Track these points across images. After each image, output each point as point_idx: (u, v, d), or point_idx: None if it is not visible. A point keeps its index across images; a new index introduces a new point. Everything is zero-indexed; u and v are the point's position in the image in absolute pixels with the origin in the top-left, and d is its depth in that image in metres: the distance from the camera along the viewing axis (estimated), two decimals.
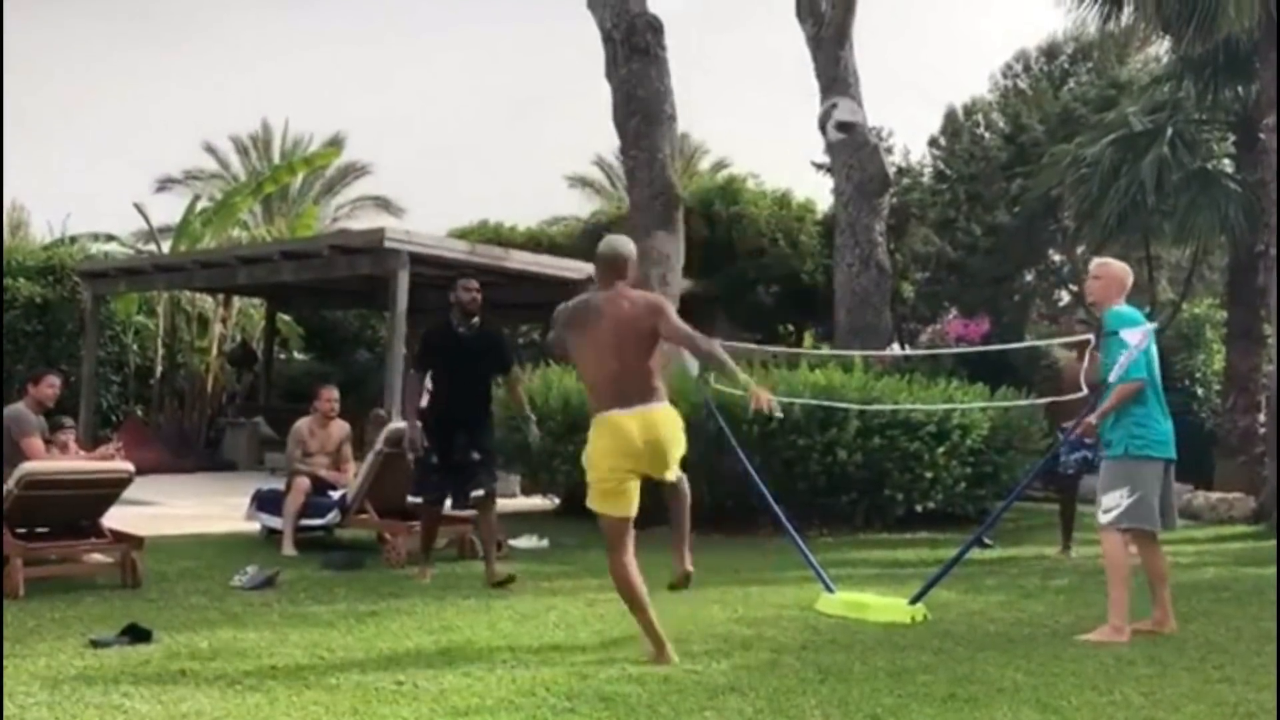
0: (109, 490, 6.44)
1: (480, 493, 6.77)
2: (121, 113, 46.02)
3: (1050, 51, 20.40)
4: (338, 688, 4.15)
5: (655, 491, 4.79)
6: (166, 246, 18.58)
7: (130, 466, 6.51)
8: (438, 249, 12.75)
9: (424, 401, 6.98)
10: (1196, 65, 12.71)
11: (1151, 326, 5.49)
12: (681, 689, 4.21)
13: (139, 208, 18.92)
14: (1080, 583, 7.00)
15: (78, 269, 16.67)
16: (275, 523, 8.13)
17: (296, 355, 21.20)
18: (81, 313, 16.42)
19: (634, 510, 4.71)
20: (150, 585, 6.24)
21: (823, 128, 14.64)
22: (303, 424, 8.48)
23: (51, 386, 7.28)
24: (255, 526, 8.45)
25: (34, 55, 37.66)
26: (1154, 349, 5.43)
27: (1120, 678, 4.52)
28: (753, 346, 12.20)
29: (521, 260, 13.76)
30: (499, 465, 7.92)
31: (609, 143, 21.55)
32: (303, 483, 8.06)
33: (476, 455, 6.83)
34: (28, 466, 6.17)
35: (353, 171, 30.41)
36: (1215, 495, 11.54)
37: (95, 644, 4.74)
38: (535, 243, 17.54)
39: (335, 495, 8.10)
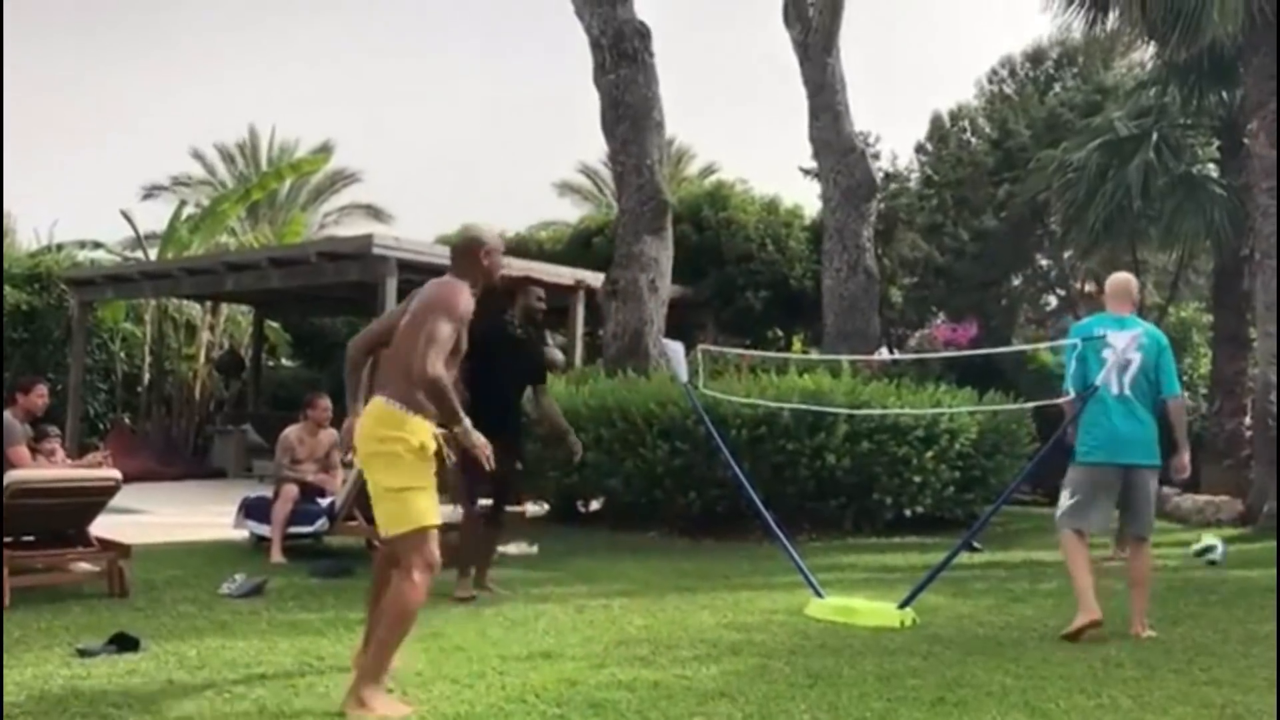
0: (96, 498, 6.40)
1: (517, 507, 6.60)
2: (108, 119, 45.86)
3: (1036, 57, 20.51)
4: (327, 696, 4.13)
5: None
6: (154, 253, 18.53)
7: (117, 474, 6.48)
8: (426, 255, 12.73)
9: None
10: (1181, 70, 12.80)
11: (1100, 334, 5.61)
12: (671, 694, 4.21)
13: (126, 215, 18.93)
14: (1068, 586, 6.96)
15: (64, 276, 16.63)
16: (263, 530, 8.08)
17: (284, 362, 21.11)
18: (68, 320, 16.38)
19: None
20: (138, 594, 6.20)
21: (810, 135, 14.71)
22: (291, 432, 8.45)
23: (41, 396, 7.27)
24: (243, 534, 8.41)
25: (20, 62, 37.51)
26: (1092, 354, 5.59)
27: (1108, 680, 4.54)
28: (741, 351, 12.23)
29: (510, 265, 13.76)
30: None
31: (597, 149, 21.56)
32: (291, 490, 8.03)
33: (520, 465, 6.74)
34: (14, 475, 6.14)
35: (341, 178, 30.35)
36: (1202, 498, 11.57)
37: (82, 653, 4.71)
38: (524, 249, 17.57)
39: (324, 502, 8.07)
